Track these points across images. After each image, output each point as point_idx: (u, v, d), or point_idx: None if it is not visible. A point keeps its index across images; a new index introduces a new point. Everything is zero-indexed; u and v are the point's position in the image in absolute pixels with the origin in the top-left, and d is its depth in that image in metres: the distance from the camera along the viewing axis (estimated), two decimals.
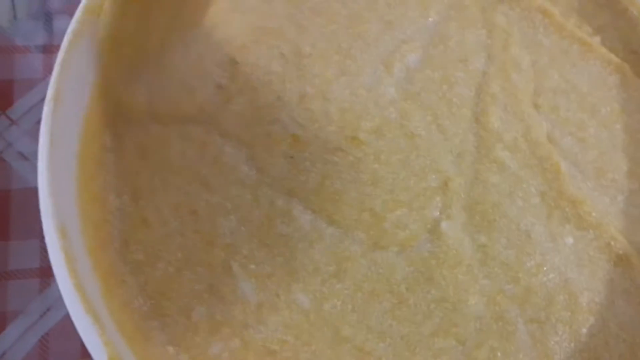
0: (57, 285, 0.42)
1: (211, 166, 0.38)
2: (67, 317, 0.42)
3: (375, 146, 0.40)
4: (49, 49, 0.48)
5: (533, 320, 0.37)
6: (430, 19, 0.44)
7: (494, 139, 0.41)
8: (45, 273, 0.43)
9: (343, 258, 0.37)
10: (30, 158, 0.45)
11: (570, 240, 0.39)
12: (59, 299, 0.42)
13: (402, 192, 0.40)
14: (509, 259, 0.38)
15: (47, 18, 0.48)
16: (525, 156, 0.41)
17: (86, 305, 0.30)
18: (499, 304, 0.37)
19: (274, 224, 0.38)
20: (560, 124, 0.42)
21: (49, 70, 0.47)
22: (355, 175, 0.40)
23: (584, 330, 0.37)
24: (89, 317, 0.30)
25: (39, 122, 0.45)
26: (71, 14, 0.47)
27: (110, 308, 0.33)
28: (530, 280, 0.38)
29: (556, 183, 0.40)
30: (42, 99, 0.45)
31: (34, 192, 0.44)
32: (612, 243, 0.39)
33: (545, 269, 0.38)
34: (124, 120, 0.38)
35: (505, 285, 0.38)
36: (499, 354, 0.36)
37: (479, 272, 0.38)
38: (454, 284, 0.37)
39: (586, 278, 0.38)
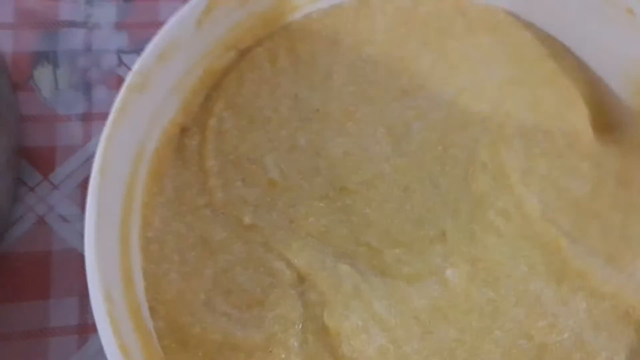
0: (94, 342, 0.45)
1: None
2: None
3: (365, 195, 0.42)
4: (89, 117, 0.51)
5: None
6: (447, 93, 0.45)
7: (485, 204, 0.41)
8: (83, 330, 0.46)
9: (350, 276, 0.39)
10: (70, 220, 0.48)
11: (583, 305, 0.39)
12: (96, 355, 0.45)
13: (399, 234, 0.41)
14: (520, 316, 0.38)
15: (86, 88, 0.51)
16: (521, 228, 0.41)
17: None
18: (514, 356, 0.38)
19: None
20: (553, 205, 0.42)
21: (88, 137, 0.50)
22: (344, 217, 0.41)
23: None
24: None
25: (78, 186, 0.48)
26: (108, 85, 0.51)
27: None
28: (544, 338, 0.38)
29: (558, 257, 0.40)
30: (82, 165, 0.49)
31: (73, 252, 0.47)
32: (631, 311, 0.39)
33: (558, 329, 0.38)
34: None
35: (519, 340, 0.38)
36: None
37: (492, 323, 0.38)
38: (470, 330, 0.38)
39: (604, 340, 0.38)
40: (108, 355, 0.32)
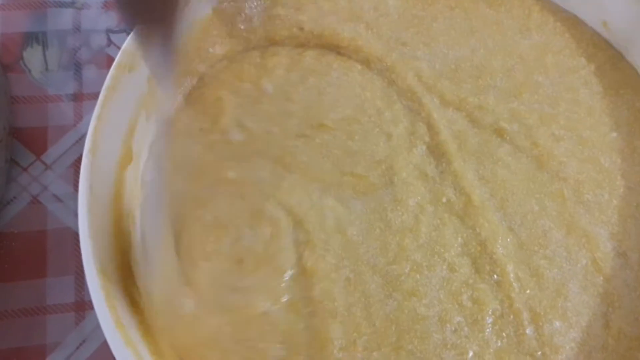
0: (91, 319, 0.46)
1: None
2: (101, 348, 0.45)
3: (346, 130, 0.43)
4: (79, 97, 0.51)
5: None
6: (457, 51, 0.47)
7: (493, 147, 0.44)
8: (80, 307, 0.46)
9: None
10: (63, 200, 0.48)
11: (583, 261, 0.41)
12: (94, 331, 0.45)
13: (385, 155, 0.42)
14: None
15: (76, 68, 0.52)
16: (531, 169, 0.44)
17: (126, 339, 0.33)
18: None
19: None
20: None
21: (79, 117, 0.50)
22: (325, 151, 0.42)
23: None
24: (128, 350, 0.33)
25: (71, 166, 0.49)
26: (98, 64, 0.51)
27: (146, 339, 0.36)
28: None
29: (566, 209, 0.42)
30: (74, 144, 0.49)
31: (68, 231, 0.48)
32: (609, 301, 0.40)
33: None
34: None
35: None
36: None
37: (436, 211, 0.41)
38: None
39: (578, 301, 0.40)
40: (104, 330, 0.33)
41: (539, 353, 0.38)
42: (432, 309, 0.39)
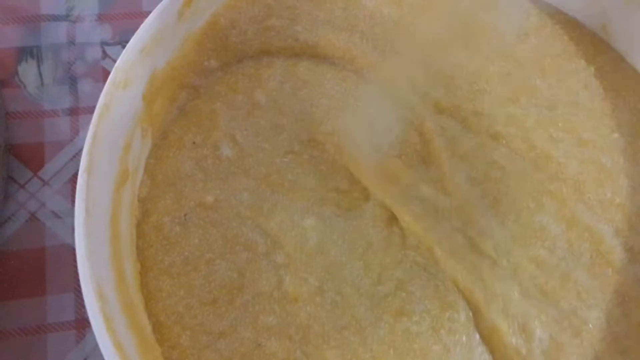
0: (92, 337, 0.45)
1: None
2: None
3: (336, 143, 0.42)
4: (75, 112, 0.50)
5: None
6: (447, 60, 0.47)
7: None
8: (81, 325, 0.46)
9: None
10: (62, 216, 0.48)
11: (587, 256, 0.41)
12: (95, 349, 0.45)
13: (371, 170, 0.42)
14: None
15: (71, 83, 0.51)
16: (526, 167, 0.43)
17: None
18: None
19: None
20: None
21: (76, 131, 0.50)
22: (312, 168, 0.42)
23: None
24: None
25: (68, 181, 0.48)
26: (94, 78, 0.51)
27: None
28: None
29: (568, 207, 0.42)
30: (71, 159, 0.49)
31: (67, 248, 0.47)
32: (627, 299, 0.40)
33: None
34: None
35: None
36: None
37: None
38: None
39: (589, 287, 0.40)
40: (104, 353, 0.33)
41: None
42: (424, 324, 0.38)
